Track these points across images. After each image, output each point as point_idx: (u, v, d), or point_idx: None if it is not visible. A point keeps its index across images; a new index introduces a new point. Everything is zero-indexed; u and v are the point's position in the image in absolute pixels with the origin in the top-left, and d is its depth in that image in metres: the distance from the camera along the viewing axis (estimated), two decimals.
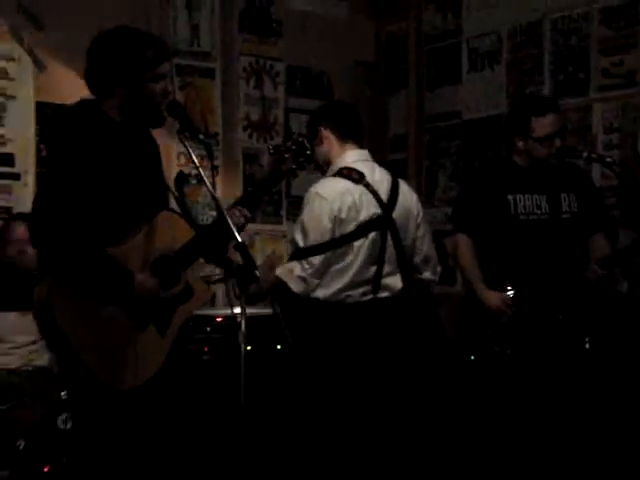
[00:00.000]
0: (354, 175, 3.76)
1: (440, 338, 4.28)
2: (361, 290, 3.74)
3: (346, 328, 3.71)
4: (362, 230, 3.72)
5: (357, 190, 3.72)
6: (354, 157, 3.83)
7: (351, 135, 3.86)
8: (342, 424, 3.72)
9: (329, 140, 3.84)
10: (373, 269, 3.75)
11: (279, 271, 3.78)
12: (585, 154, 4.08)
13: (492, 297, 4.02)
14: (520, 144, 4.08)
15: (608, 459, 4.08)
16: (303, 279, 3.70)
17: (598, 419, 4.07)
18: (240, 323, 3.43)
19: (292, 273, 3.71)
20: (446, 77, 5.86)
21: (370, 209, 3.74)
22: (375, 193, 3.75)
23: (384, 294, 3.77)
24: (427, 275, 3.95)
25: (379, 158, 4.10)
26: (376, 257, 3.74)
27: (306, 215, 3.74)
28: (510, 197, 4.08)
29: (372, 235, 3.73)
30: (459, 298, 4.28)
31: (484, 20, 5.62)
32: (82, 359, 2.88)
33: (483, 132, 5.61)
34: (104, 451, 3.00)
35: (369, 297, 3.75)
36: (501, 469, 3.99)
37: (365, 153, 3.89)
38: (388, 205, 3.78)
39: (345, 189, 3.72)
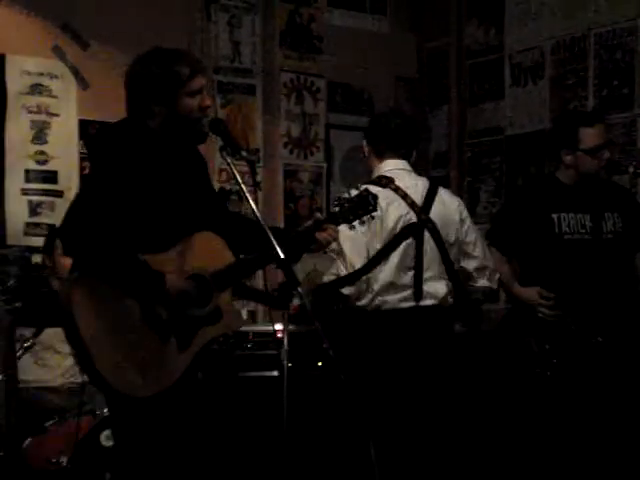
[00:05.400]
0: (383, 181, 3.78)
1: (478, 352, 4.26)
2: (398, 296, 3.72)
3: (387, 337, 3.69)
4: (394, 242, 3.72)
5: (383, 194, 3.70)
6: (389, 167, 3.88)
7: (388, 149, 3.91)
8: (383, 440, 3.69)
9: (369, 155, 3.99)
10: (410, 274, 3.73)
11: (325, 278, 3.80)
12: (631, 169, 4.03)
13: (527, 291, 4.00)
14: (568, 158, 3.99)
15: None
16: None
17: None
18: (283, 340, 3.43)
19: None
20: (488, 92, 5.82)
21: (397, 211, 3.74)
22: (405, 196, 3.76)
23: (427, 302, 3.75)
24: (483, 282, 3.90)
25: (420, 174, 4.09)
26: (411, 262, 3.73)
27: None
28: (554, 216, 4.00)
29: (402, 244, 3.73)
30: (502, 316, 4.24)
31: (527, 35, 5.57)
32: (90, 354, 2.84)
33: (526, 148, 5.56)
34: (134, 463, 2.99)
35: (410, 304, 3.72)
36: None
37: (401, 163, 3.91)
38: (422, 208, 3.78)
39: None
